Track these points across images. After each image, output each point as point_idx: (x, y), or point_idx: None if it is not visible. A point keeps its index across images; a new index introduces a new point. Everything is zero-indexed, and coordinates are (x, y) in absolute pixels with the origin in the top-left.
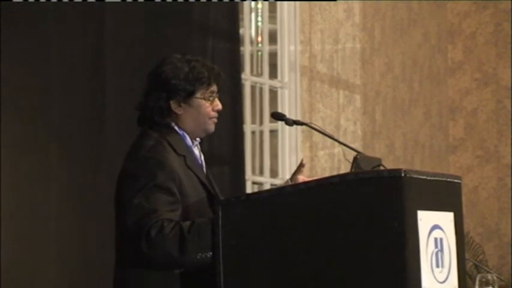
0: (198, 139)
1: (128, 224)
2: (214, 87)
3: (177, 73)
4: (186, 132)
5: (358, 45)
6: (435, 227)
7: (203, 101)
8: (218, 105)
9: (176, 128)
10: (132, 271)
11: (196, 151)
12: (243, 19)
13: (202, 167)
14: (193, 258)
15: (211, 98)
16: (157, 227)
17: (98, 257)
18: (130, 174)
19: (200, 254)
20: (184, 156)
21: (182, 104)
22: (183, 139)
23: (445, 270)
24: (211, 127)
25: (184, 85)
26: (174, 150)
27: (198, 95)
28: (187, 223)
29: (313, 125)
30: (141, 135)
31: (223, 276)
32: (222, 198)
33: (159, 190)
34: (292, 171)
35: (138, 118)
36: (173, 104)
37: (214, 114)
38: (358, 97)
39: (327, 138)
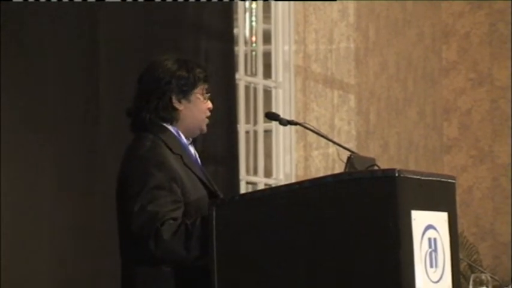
0: (190, 139)
1: (133, 228)
2: (207, 86)
3: (175, 72)
4: (180, 131)
5: (352, 45)
6: (429, 227)
7: (201, 97)
8: (210, 104)
9: (170, 128)
10: (139, 269)
11: (192, 149)
12: (237, 19)
13: (199, 165)
14: (199, 255)
15: (206, 96)
16: (164, 229)
17: (93, 255)
18: (129, 176)
19: (206, 251)
20: (180, 155)
21: (182, 101)
22: (178, 138)
23: (439, 270)
24: (205, 126)
25: (185, 82)
26: (170, 150)
27: (197, 91)
28: (191, 221)
29: (307, 125)
30: (136, 139)
31: (217, 276)
32: (221, 195)
33: (160, 190)
34: (286, 171)
35: (131, 124)
36: (174, 100)
37: (208, 112)
38: (352, 97)
39: (321, 138)
